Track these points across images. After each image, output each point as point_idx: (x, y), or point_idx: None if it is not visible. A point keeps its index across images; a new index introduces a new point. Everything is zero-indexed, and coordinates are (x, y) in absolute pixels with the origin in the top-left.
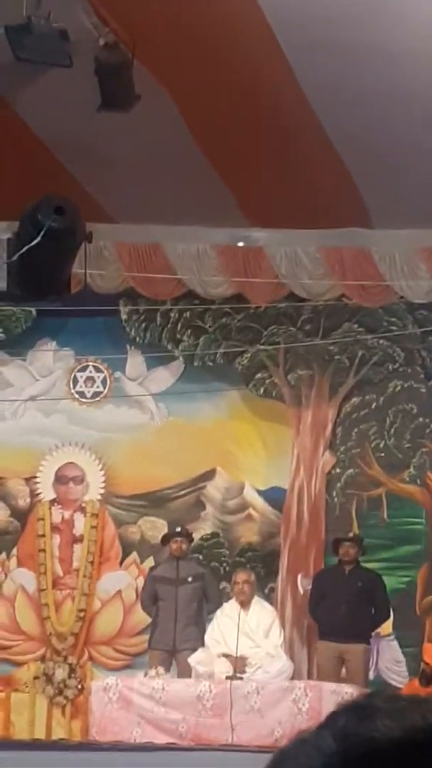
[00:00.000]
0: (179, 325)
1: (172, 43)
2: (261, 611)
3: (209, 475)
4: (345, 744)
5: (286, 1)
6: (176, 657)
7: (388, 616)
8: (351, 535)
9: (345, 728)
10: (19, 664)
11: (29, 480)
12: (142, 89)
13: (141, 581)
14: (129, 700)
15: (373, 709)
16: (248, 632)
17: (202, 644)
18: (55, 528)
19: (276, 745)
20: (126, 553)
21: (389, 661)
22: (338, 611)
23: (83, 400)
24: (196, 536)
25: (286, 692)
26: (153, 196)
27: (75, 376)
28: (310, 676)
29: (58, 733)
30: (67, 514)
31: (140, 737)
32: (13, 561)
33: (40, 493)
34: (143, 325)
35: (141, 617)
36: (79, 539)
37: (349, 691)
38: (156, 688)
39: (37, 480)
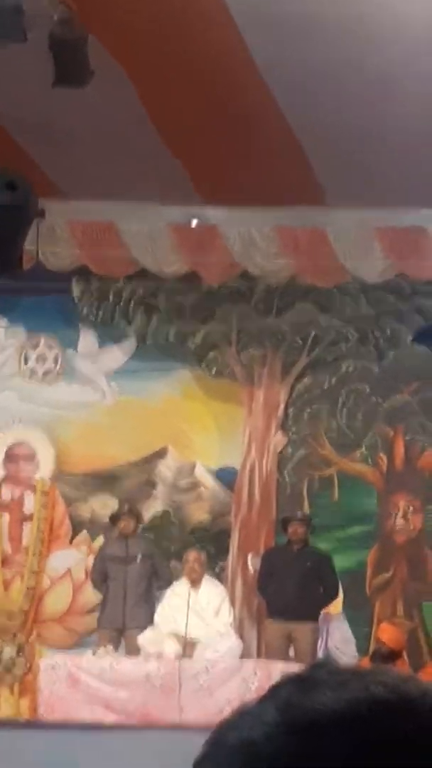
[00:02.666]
0: (132, 304)
1: (127, 19)
2: (211, 590)
3: (161, 454)
4: (287, 715)
5: None
6: (125, 636)
7: (337, 596)
8: (299, 514)
9: (288, 699)
10: None
11: None
12: (97, 65)
13: (91, 560)
14: (77, 679)
15: (316, 680)
16: (198, 611)
17: (152, 623)
18: (4, 506)
19: None
20: (76, 532)
21: (339, 640)
22: (286, 590)
23: (34, 377)
24: (147, 515)
25: (235, 671)
26: (107, 173)
27: (26, 354)
28: (260, 655)
29: (6, 712)
30: (17, 493)
31: (88, 716)
32: None
33: None
34: (96, 303)
35: (90, 596)
36: (29, 518)
37: None
38: (104, 667)
39: None
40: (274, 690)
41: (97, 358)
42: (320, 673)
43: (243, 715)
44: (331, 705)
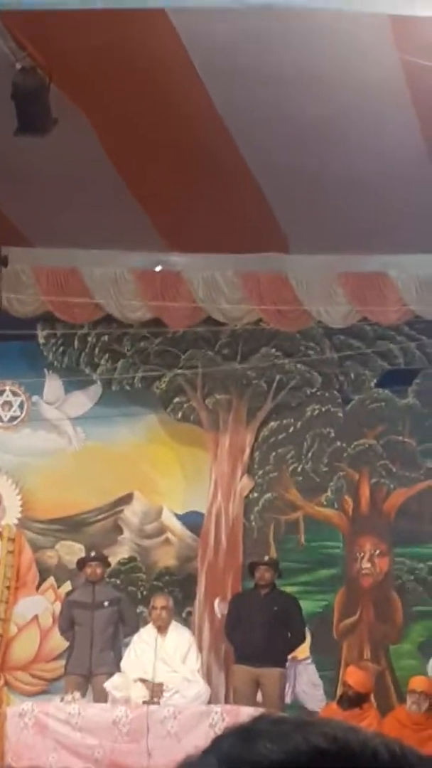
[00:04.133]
0: (97, 349)
1: (89, 67)
2: (178, 636)
3: (127, 499)
4: (229, 767)
5: (202, 26)
6: (92, 682)
7: (304, 640)
8: (266, 558)
9: (229, 752)
10: None
11: None
12: (59, 113)
13: (58, 606)
14: (45, 726)
15: (257, 732)
16: (165, 657)
17: (119, 669)
18: None
19: None
20: (43, 578)
21: (306, 684)
22: (254, 635)
23: (0, 424)
24: (114, 560)
25: (203, 717)
26: (70, 219)
27: None
28: (227, 701)
29: None
30: None
31: (56, 763)
32: None
33: None
34: (61, 349)
35: (58, 642)
36: None
37: None
38: (72, 713)
39: None
40: (216, 742)
41: (63, 404)
42: (262, 725)
43: (186, 767)
44: (271, 757)
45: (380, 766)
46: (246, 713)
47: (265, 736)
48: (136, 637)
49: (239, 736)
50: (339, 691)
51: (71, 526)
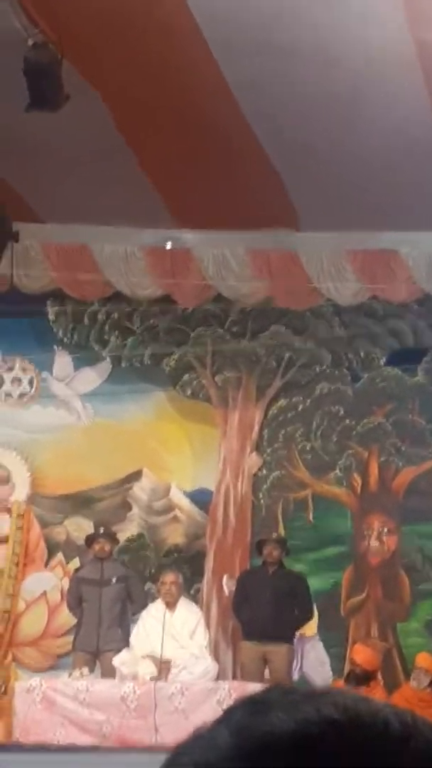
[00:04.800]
0: (106, 326)
1: (102, 44)
2: (186, 612)
3: (135, 476)
4: (240, 738)
5: (215, 2)
6: (100, 658)
7: (311, 617)
8: (274, 536)
9: (240, 722)
10: None
11: None
12: (71, 89)
13: (66, 582)
14: (53, 702)
15: (268, 703)
16: (173, 633)
17: (127, 645)
18: None
19: None
20: (51, 554)
21: (314, 661)
22: (261, 612)
23: (9, 400)
24: (122, 537)
25: (210, 693)
26: (81, 196)
27: (1, 377)
28: (235, 677)
29: None
30: None
31: (64, 738)
32: None
33: None
34: (70, 325)
35: (66, 618)
36: (3, 540)
37: None
38: (80, 689)
39: None
40: (228, 713)
41: (72, 380)
42: (273, 695)
43: (197, 738)
44: (282, 726)
45: (391, 736)
46: (253, 690)
47: (276, 706)
48: (144, 613)
49: (250, 706)
50: (346, 669)
51: (80, 502)
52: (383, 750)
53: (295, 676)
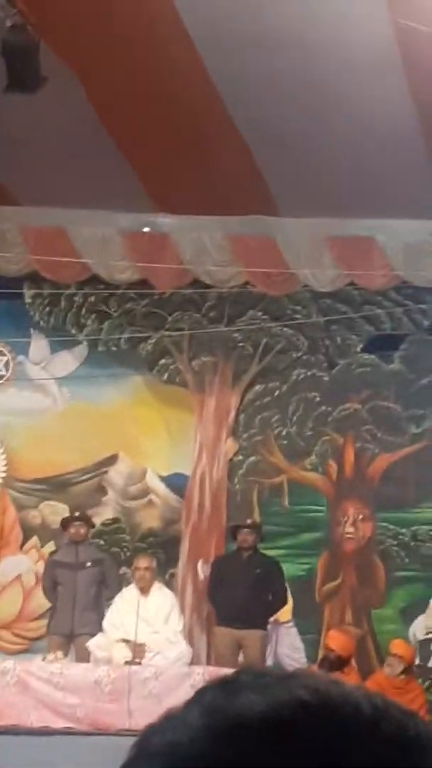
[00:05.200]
0: (83, 310)
1: (80, 26)
2: (161, 597)
3: (111, 460)
4: (211, 719)
5: None
6: (74, 642)
7: (285, 603)
8: (249, 521)
9: (211, 703)
10: None
11: None
12: (49, 72)
13: (41, 566)
14: (27, 684)
15: (239, 684)
16: (147, 618)
17: (101, 629)
18: None
19: None
20: (26, 537)
21: (288, 647)
22: (235, 597)
23: None
24: (98, 521)
25: (184, 678)
26: (59, 179)
27: None
28: (209, 662)
29: None
30: None
31: (37, 721)
32: None
33: None
34: (47, 308)
35: (40, 602)
36: None
37: None
38: (54, 672)
39: None
40: (199, 694)
41: (49, 364)
42: (244, 677)
43: (168, 719)
44: (254, 708)
45: (362, 719)
46: None
47: (247, 687)
48: (118, 598)
49: (222, 687)
50: (320, 655)
51: (55, 486)
52: (354, 732)
53: (270, 661)
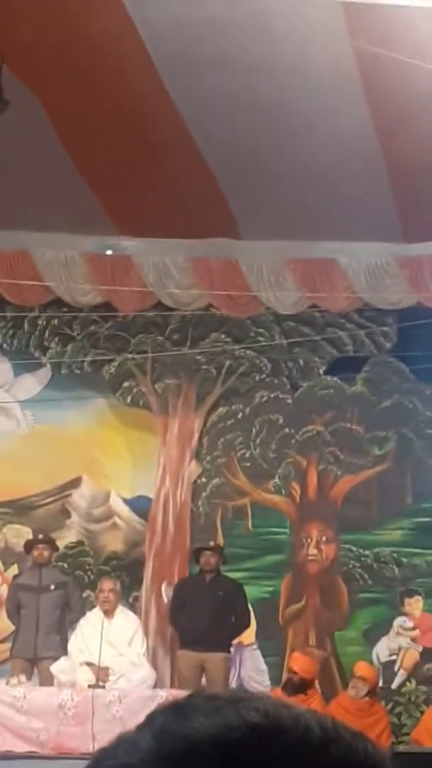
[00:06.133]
0: (47, 333)
1: (42, 50)
2: (124, 620)
3: (75, 483)
4: (162, 741)
5: (156, 12)
6: (38, 665)
7: (248, 625)
8: (212, 544)
9: (162, 726)
10: None
11: None
12: (11, 95)
13: (5, 589)
14: None
15: (190, 707)
16: (111, 641)
17: (65, 653)
18: None
19: None
20: None
21: (252, 670)
22: (198, 620)
23: None
24: (61, 544)
25: (148, 701)
26: (21, 202)
27: None
28: (173, 685)
29: None
30: None
31: (0, 745)
32: None
33: None
34: (10, 331)
35: (4, 625)
36: None
37: None
38: (17, 696)
39: None
40: (150, 717)
41: (12, 386)
42: (195, 700)
43: (120, 742)
44: (204, 730)
45: (312, 741)
46: None
47: (197, 710)
48: (82, 621)
49: (173, 711)
50: (284, 677)
51: (19, 509)
52: (303, 755)
53: (234, 684)
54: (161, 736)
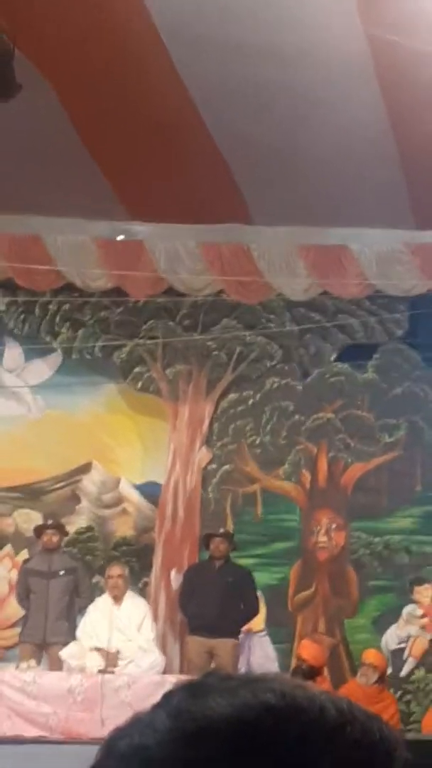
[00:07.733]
0: (58, 318)
1: (55, 34)
2: (134, 605)
3: (85, 468)
4: (178, 721)
5: None
6: (47, 650)
7: (257, 612)
8: (221, 530)
9: (178, 706)
10: None
11: None
12: (23, 79)
13: (15, 574)
14: (0, 693)
15: (206, 687)
16: (120, 626)
17: (73, 638)
18: None
19: None
20: (0, 546)
21: (261, 657)
22: (207, 606)
23: None
24: (71, 530)
25: (157, 686)
26: (34, 187)
27: None
28: (182, 671)
29: None
30: None
31: (10, 730)
32: None
33: None
34: (22, 316)
35: (14, 610)
36: None
37: None
38: (27, 681)
39: None
40: (166, 697)
41: (23, 371)
42: (211, 681)
43: (135, 722)
44: (220, 711)
45: (327, 722)
46: None
47: (214, 691)
48: (91, 606)
49: (189, 691)
50: (293, 664)
51: (29, 494)
52: (319, 735)
53: (242, 671)
54: (177, 716)
